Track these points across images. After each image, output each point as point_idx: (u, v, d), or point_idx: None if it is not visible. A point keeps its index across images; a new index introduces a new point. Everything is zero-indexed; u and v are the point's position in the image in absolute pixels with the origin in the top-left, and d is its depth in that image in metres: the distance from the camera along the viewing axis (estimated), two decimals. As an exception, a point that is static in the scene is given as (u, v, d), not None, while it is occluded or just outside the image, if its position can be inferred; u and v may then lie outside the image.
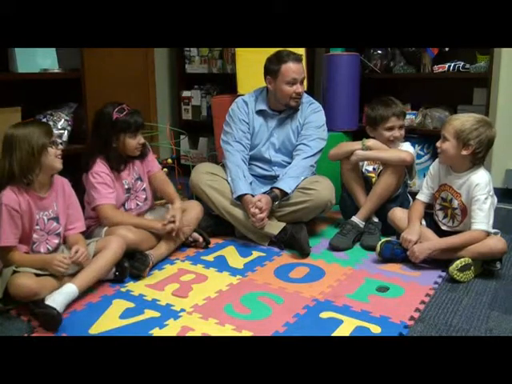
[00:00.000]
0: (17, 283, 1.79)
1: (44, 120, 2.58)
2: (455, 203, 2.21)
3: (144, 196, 2.41)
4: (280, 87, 2.53)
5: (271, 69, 2.53)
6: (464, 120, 2.13)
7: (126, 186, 2.32)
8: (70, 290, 1.83)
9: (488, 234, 2.11)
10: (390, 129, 2.55)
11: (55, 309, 1.71)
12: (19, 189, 1.87)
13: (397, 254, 2.25)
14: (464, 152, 2.12)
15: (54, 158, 1.92)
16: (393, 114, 2.54)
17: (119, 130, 2.22)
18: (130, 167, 2.34)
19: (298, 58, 2.51)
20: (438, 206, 2.31)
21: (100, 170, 2.22)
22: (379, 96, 2.65)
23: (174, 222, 2.25)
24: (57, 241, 2.02)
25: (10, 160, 1.85)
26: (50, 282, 1.86)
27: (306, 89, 3.02)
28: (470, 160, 2.15)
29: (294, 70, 2.49)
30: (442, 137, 2.18)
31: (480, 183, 2.12)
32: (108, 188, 2.23)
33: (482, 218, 2.10)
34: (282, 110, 2.63)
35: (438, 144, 2.20)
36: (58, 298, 1.77)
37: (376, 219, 2.57)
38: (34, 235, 1.94)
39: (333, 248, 2.46)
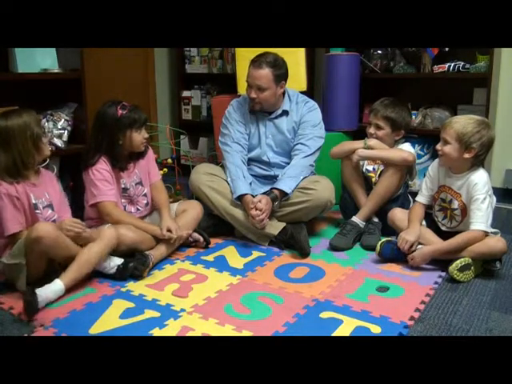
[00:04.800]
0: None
1: (44, 120, 2.58)
2: (455, 204, 2.21)
3: (145, 201, 2.40)
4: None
5: None
6: (465, 123, 2.11)
7: (123, 186, 2.31)
8: (57, 287, 1.88)
9: (486, 233, 2.11)
10: (369, 123, 2.62)
11: (35, 297, 1.77)
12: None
13: (397, 254, 2.25)
14: (466, 155, 2.11)
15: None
16: (372, 111, 2.61)
17: (125, 126, 2.20)
18: (132, 169, 2.33)
19: (260, 65, 2.47)
20: (437, 207, 2.31)
21: (101, 167, 2.21)
22: (380, 96, 2.66)
23: (170, 232, 2.26)
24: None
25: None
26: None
27: (305, 89, 3.04)
28: (471, 162, 2.15)
29: (250, 73, 2.52)
30: (443, 140, 2.16)
31: (478, 183, 2.12)
32: (108, 185, 2.22)
33: (480, 217, 2.09)
34: (270, 111, 2.62)
35: (439, 147, 2.18)
36: (45, 291, 1.83)
37: (376, 219, 2.57)
38: None
39: (333, 248, 2.45)
